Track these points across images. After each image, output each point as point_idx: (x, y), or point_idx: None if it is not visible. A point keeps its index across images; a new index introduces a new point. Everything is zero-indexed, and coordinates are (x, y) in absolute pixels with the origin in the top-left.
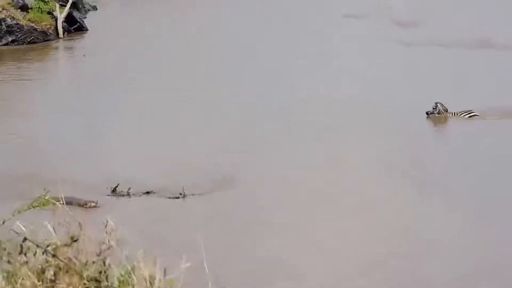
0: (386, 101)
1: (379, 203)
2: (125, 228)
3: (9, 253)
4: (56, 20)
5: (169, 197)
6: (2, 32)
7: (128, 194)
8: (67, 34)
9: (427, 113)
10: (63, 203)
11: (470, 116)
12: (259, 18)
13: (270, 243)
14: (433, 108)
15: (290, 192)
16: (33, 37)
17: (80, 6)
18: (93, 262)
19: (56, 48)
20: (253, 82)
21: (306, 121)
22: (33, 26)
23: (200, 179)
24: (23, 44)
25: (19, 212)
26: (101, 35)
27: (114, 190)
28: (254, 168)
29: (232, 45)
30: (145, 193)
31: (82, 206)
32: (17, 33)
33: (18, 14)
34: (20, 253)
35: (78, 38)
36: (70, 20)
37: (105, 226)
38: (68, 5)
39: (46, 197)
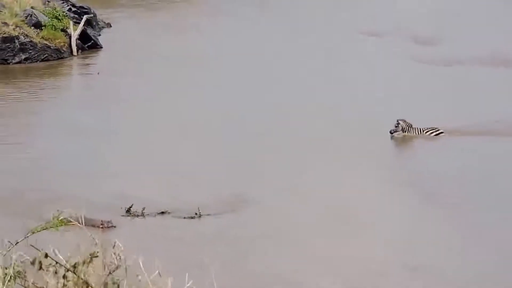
0: (390, 118)
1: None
2: (140, 249)
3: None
4: (70, 38)
5: (185, 217)
6: (15, 50)
7: (143, 215)
8: (81, 52)
9: (390, 132)
10: (80, 223)
11: (436, 134)
12: (274, 34)
13: (286, 263)
14: (395, 126)
15: (307, 210)
16: (46, 54)
17: (94, 24)
18: (113, 283)
19: (70, 65)
20: (266, 98)
21: (317, 138)
22: (46, 44)
23: (215, 198)
24: (36, 61)
25: (32, 232)
26: (115, 53)
27: (128, 210)
28: (270, 187)
29: (244, 60)
30: (160, 213)
31: (98, 226)
32: (30, 51)
33: (32, 31)
34: (39, 269)
35: (92, 56)
36: (84, 37)
37: (113, 247)
38: (82, 22)
39: (60, 218)
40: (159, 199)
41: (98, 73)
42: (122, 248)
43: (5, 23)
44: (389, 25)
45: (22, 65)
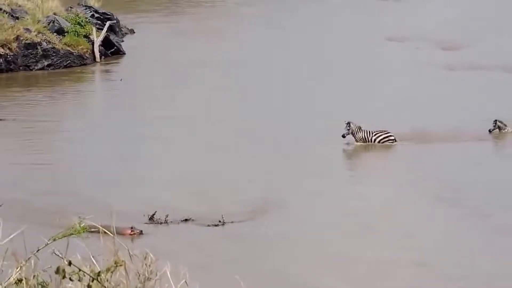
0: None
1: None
2: (164, 257)
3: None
4: (92, 44)
5: (208, 225)
6: (38, 56)
7: (166, 222)
8: (104, 58)
9: (343, 136)
10: (106, 231)
11: (385, 137)
12: (297, 37)
13: (309, 269)
14: (347, 129)
15: (333, 219)
16: (69, 61)
17: (117, 30)
18: None
19: (93, 72)
20: (286, 104)
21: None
22: (69, 50)
23: (239, 206)
24: (59, 68)
25: (54, 239)
26: (138, 59)
27: (151, 218)
28: (293, 194)
29: (269, 66)
30: (183, 220)
31: (127, 234)
32: (53, 57)
33: (54, 37)
34: (63, 278)
35: (115, 62)
36: (107, 43)
37: (145, 258)
38: (105, 28)
39: (82, 225)
40: (182, 206)
41: (121, 80)
42: (154, 259)
43: (28, 30)
44: (414, 31)
45: (45, 71)
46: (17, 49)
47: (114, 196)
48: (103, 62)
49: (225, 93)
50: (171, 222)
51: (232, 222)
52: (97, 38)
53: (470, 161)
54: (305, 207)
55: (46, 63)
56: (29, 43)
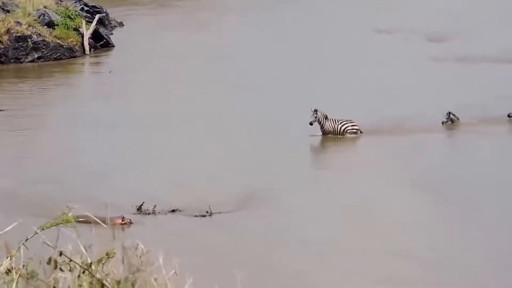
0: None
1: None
2: (155, 248)
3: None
4: (82, 37)
5: (196, 216)
6: (28, 49)
7: (154, 212)
8: (93, 51)
9: (310, 123)
10: (97, 221)
11: (350, 127)
12: (285, 32)
13: (299, 260)
14: (314, 117)
15: (319, 209)
16: (59, 53)
17: (106, 23)
18: (126, 279)
19: (82, 64)
20: (277, 96)
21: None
22: (59, 43)
23: (226, 196)
24: (49, 60)
25: (42, 229)
26: (127, 52)
27: (139, 208)
28: (283, 184)
29: (259, 57)
30: (171, 211)
31: (115, 224)
32: (43, 50)
33: (44, 30)
34: (54, 268)
35: (104, 55)
36: (96, 36)
37: (136, 249)
38: (94, 21)
39: (70, 214)
40: (170, 197)
41: (110, 72)
42: (145, 251)
43: (18, 23)
44: (403, 23)
45: (35, 64)
46: (8, 42)
47: (101, 187)
48: (92, 55)
49: (213, 85)
50: (159, 212)
51: (219, 212)
52: (87, 31)
53: (448, 152)
54: (293, 197)
55: (36, 56)
56: (19, 36)
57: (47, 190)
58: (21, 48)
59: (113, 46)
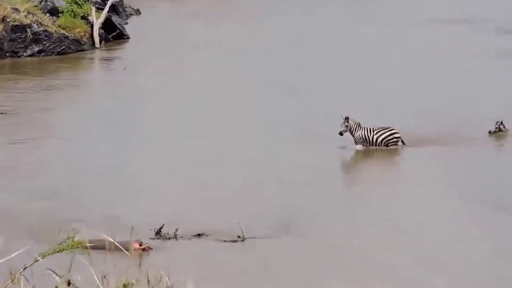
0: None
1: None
2: (179, 278)
3: None
4: (91, 27)
5: (225, 241)
6: (27, 41)
7: (175, 237)
8: (104, 43)
9: (340, 134)
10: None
11: (390, 135)
12: (334, 22)
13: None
14: (345, 125)
15: (364, 226)
16: (64, 46)
17: (121, 10)
18: None
19: (91, 59)
20: (313, 98)
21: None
22: (64, 34)
23: (261, 219)
24: (51, 54)
25: (43, 256)
26: (144, 44)
27: (158, 232)
28: (320, 203)
29: (282, 50)
30: (195, 235)
31: (136, 249)
32: (44, 42)
33: (47, 19)
34: None
35: (117, 48)
36: (108, 26)
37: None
38: (106, 8)
39: (75, 239)
40: (194, 219)
41: (124, 69)
42: (169, 282)
43: (16, 9)
44: (472, 12)
45: (35, 59)
46: (3, 32)
47: (113, 204)
48: (103, 48)
49: (239, 83)
50: (182, 237)
51: (254, 237)
52: (97, 20)
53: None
54: (333, 216)
55: (36, 49)
56: (17, 26)
57: (50, 207)
58: (19, 40)
59: (128, 37)
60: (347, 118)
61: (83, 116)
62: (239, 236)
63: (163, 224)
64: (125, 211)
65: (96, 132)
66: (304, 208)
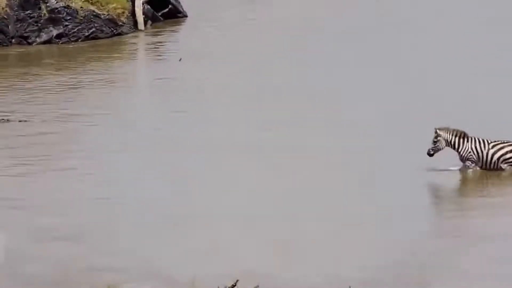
0: None
1: None
2: None
3: None
4: (133, 1)
5: None
6: (42, 22)
7: None
8: (151, 24)
9: (429, 155)
10: None
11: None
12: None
13: None
14: (434, 142)
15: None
16: (93, 28)
17: None
18: None
19: (133, 46)
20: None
21: None
22: (94, 11)
23: (364, 271)
24: (76, 40)
25: None
26: (207, 26)
27: None
28: (431, 249)
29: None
30: None
31: None
32: (66, 23)
33: None
34: None
35: (169, 31)
36: (157, 1)
37: None
38: None
39: None
40: (277, 271)
41: (180, 59)
42: None
43: None
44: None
45: (52, 46)
46: (7, 9)
47: (165, 251)
48: (149, 31)
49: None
50: None
51: None
52: None
53: None
54: (446, 262)
55: (55, 33)
56: (27, 0)
57: (73, 252)
58: (30, 20)
59: (185, 16)
60: (438, 134)
61: (121, 127)
62: None
63: (237, 280)
64: (177, 258)
65: (136, 146)
66: (410, 255)
